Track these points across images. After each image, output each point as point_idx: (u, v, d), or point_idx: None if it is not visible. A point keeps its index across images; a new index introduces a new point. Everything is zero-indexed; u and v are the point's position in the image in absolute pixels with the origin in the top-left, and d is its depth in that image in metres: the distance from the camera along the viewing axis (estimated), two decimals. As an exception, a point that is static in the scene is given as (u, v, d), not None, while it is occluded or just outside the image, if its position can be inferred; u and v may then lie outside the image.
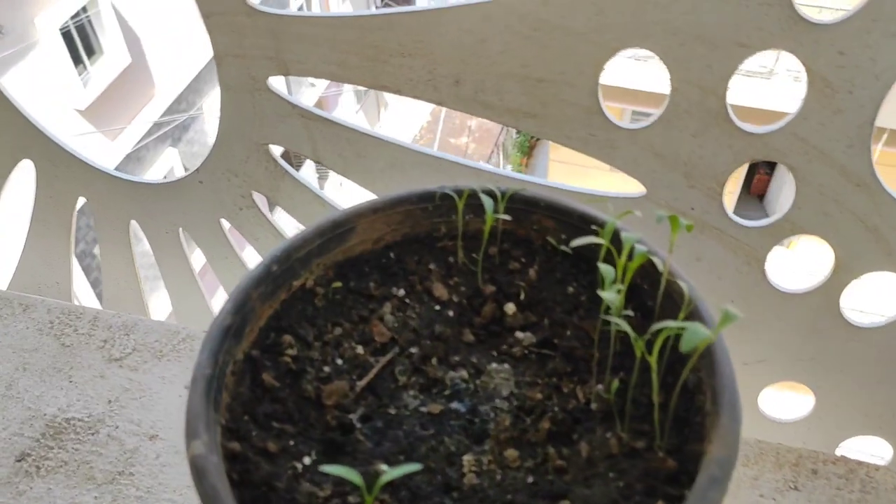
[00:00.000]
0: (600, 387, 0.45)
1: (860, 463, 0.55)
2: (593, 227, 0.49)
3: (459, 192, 0.49)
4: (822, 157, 0.53)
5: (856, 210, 0.55)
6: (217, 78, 0.62)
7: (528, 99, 0.56)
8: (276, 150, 0.69)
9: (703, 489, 0.36)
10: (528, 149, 7.26)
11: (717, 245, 0.59)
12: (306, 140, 0.66)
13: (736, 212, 0.59)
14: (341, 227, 0.49)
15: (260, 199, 0.74)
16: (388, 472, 0.33)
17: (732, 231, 0.59)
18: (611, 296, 0.41)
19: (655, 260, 0.43)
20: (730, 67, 0.51)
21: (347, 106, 7.12)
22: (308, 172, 5.14)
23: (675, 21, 0.50)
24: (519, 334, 0.49)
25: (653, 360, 0.40)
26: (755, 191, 6.61)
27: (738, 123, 0.53)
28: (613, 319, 0.39)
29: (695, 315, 0.41)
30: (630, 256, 0.42)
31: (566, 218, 0.50)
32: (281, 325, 0.47)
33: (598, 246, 0.49)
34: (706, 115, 0.53)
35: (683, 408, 0.42)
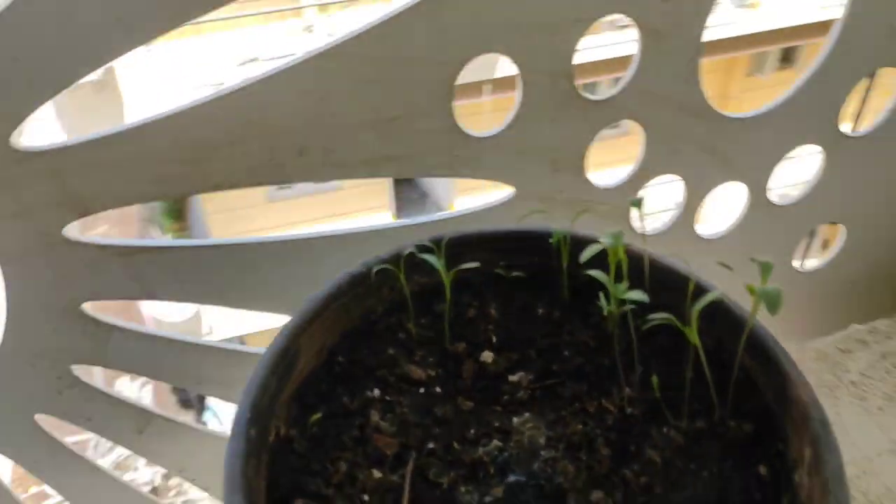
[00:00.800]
0: (628, 390, 0.43)
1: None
2: (531, 243, 0.47)
3: (396, 259, 0.44)
4: (664, 102, 0.56)
5: (696, 139, 0.60)
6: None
7: (383, 143, 0.52)
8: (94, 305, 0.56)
9: (819, 430, 0.36)
10: (178, 212, 6.88)
11: (593, 217, 0.61)
12: (131, 280, 0.54)
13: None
14: (289, 355, 0.41)
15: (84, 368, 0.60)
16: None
17: (601, 197, 0.61)
18: (639, 294, 0.39)
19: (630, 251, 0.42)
20: (572, 45, 0.51)
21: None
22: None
23: (514, 17, 0.49)
24: (512, 377, 0.45)
25: (693, 333, 0.39)
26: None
27: (589, 96, 0.54)
28: (658, 316, 0.38)
29: (701, 289, 0.41)
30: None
31: (501, 244, 0.47)
32: (283, 495, 0.38)
33: (542, 261, 0.47)
34: (560, 98, 0.53)
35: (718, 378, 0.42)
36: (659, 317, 0.38)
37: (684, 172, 0.62)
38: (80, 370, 0.60)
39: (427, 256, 0.43)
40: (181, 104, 0.46)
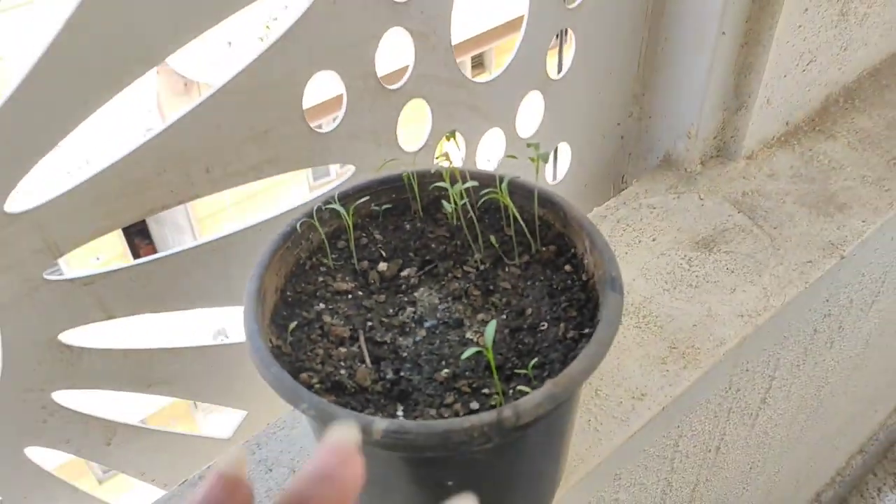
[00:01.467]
0: (478, 255, 0.68)
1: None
2: (390, 185, 0.70)
3: (310, 215, 0.65)
4: (437, 80, 0.82)
5: (463, 102, 0.86)
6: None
7: (262, 151, 0.72)
8: (68, 333, 0.70)
9: (589, 227, 0.63)
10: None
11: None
12: (94, 306, 0.69)
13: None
14: (260, 293, 0.60)
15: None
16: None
17: (411, 158, 0.85)
18: (470, 183, 0.63)
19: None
20: (373, 54, 0.75)
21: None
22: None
23: (332, 42, 0.71)
24: (403, 274, 0.68)
25: (505, 197, 0.64)
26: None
27: (389, 87, 0.78)
28: (484, 192, 0.63)
29: (503, 178, 0.66)
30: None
31: (371, 190, 0.70)
32: (290, 373, 0.58)
33: (399, 195, 0.70)
34: (371, 92, 0.77)
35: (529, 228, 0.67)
36: (485, 192, 0.63)
37: (460, 127, 0.89)
38: (56, 396, 0.73)
39: (333, 206, 0.64)
40: (123, 152, 0.63)
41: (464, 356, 0.55)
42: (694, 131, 1.04)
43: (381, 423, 0.49)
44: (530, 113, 0.98)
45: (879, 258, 1.11)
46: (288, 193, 6.87)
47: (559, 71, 0.97)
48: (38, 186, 0.61)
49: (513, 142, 0.96)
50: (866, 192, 1.04)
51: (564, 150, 1.07)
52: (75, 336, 0.70)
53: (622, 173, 1.18)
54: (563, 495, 0.74)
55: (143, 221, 6.86)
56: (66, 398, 0.73)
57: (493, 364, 0.53)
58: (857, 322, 1.24)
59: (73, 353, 0.71)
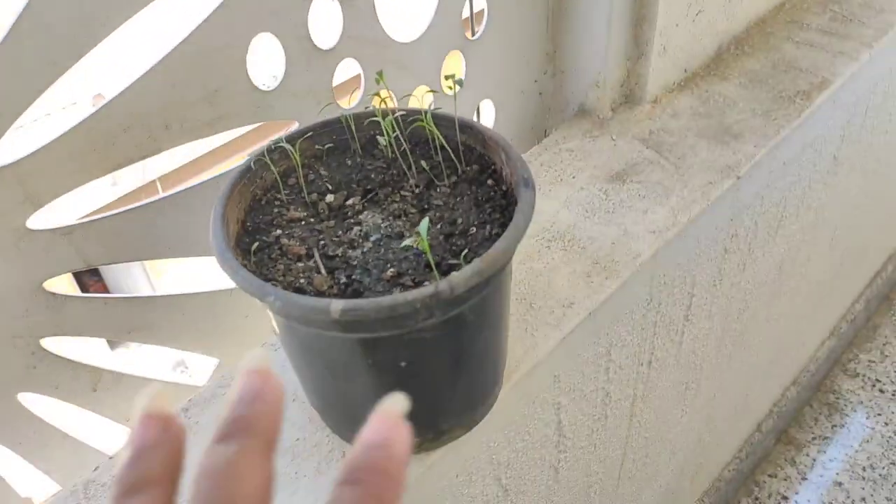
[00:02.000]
0: (412, 180, 0.78)
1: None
2: (331, 126, 0.80)
3: (263, 154, 0.74)
4: (365, 41, 0.92)
5: (389, 59, 0.96)
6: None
7: (214, 108, 0.81)
8: (52, 282, 0.78)
9: (503, 142, 0.73)
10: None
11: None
12: (75, 255, 0.77)
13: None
14: (224, 219, 0.69)
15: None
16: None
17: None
18: (399, 115, 0.74)
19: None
20: (305, 15, 0.84)
21: None
22: None
23: (270, 4, 0.81)
24: (348, 203, 0.78)
25: (430, 124, 0.74)
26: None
27: (322, 48, 0.88)
28: (414, 118, 0.73)
29: (427, 111, 0.76)
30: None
31: (316, 132, 0.79)
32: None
33: (340, 136, 0.80)
34: (306, 53, 0.87)
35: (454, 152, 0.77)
36: (414, 119, 0.73)
37: (391, 85, 0.99)
38: (46, 343, 0.81)
39: (282, 145, 0.73)
40: (100, 104, 0.72)
41: (402, 245, 0.65)
42: (602, 81, 1.16)
43: (337, 304, 0.59)
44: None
45: (775, 181, 1.24)
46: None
47: (472, 34, 1.07)
48: (15, 138, 0.69)
49: (441, 102, 1.06)
50: (756, 122, 1.17)
51: (489, 108, 1.18)
52: (59, 284, 0.78)
53: (544, 128, 1.30)
54: (506, 393, 0.84)
55: None
56: (54, 345, 0.81)
57: (427, 249, 0.64)
58: (766, 246, 1.38)
59: (58, 301, 0.78)
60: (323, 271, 0.70)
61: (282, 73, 0.86)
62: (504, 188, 0.75)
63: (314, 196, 0.77)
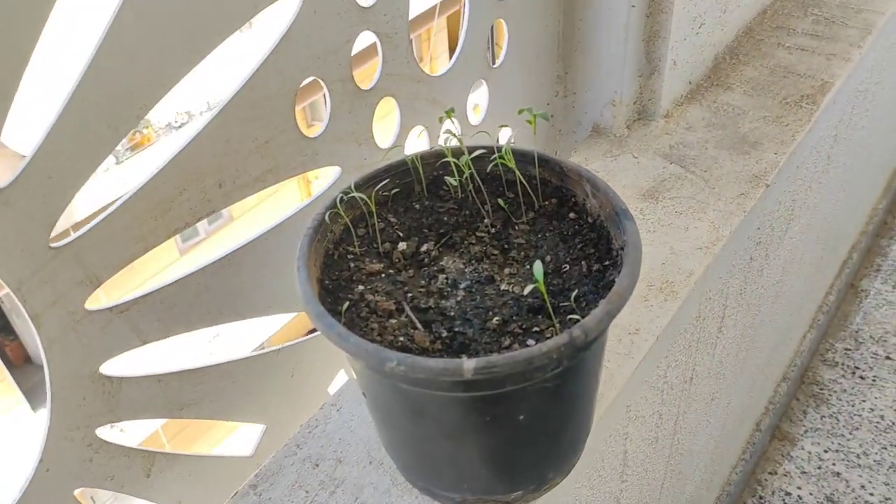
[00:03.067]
0: (487, 220, 0.74)
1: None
2: (396, 169, 0.75)
3: (334, 205, 0.69)
4: (402, 77, 0.88)
5: (422, 95, 0.93)
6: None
7: (265, 160, 0.76)
8: (107, 367, 0.71)
9: (585, 173, 0.71)
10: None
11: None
12: (130, 333, 0.71)
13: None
14: (308, 279, 0.64)
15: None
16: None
17: (383, 154, 0.91)
18: (478, 152, 0.70)
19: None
20: (348, 58, 0.80)
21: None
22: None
23: (315, 50, 0.76)
24: (422, 249, 0.73)
25: (510, 158, 0.71)
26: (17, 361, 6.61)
27: (363, 88, 0.84)
28: (491, 158, 0.69)
29: (500, 147, 0.73)
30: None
31: (380, 177, 0.74)
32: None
33: (404, 179, 0.75)
34: (349, 94, 0.82)
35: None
36: (493, 159, 0.69)
37: (423, 120, 0.95)
38: (100, 432, 0.74)
39: (354, 194, 0.69)
40: (146, 176, 0.66)
41: (525, 291, 0.61)
42: (619, 99, 1.15)
43: (469, 363, 0.54)
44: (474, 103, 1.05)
45: (790, 185, 1.25)
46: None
47: (494, 61, 1.05)
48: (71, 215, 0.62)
49: (466, 130, 1.03)
50: (770, 129, 1.18)
51: (505, 135, 1.15)
52: (114, 367, 0.71)
53: (554, 150, 1.28)
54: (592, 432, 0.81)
55: (4, 317, 6.51)
56: (108, 434, 0.74)
57: (545, 296, 0.60)
58: (777, 249, 1.39)
59: (114, 385, 0.72)
60: (419, 326, 0.65)
61: (326, 119, 0.81)
62: (591, 220, 0.72)
63: (387, 245, 0.73)
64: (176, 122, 5.93)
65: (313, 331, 0.88)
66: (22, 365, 6.62)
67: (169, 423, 5.39)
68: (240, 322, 0.83)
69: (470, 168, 0.73)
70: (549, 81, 1.17)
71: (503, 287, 0.68)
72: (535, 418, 0.63)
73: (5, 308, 6.45)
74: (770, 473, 2.20)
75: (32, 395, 6.13)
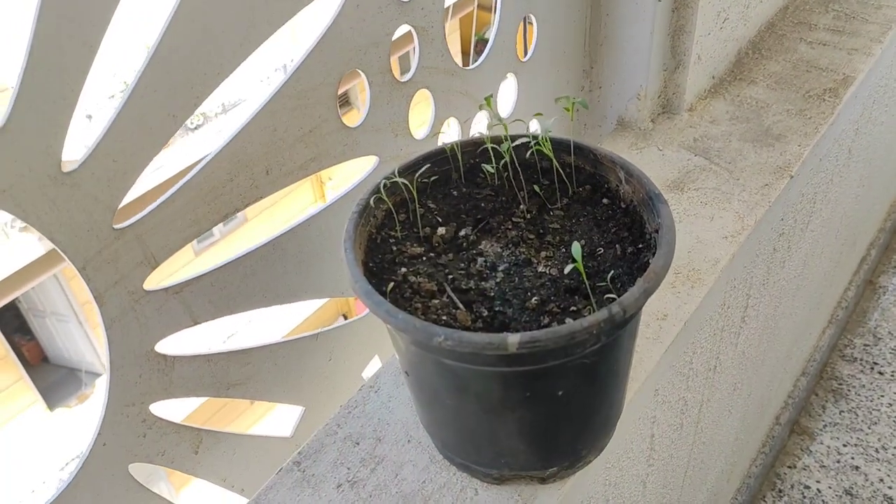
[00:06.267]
0: (523, 205, 0.77)
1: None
2: (435, 157, 0.78)
3: (377, 190, 0.72)
4: (437, 70, 0.91)
5: (455, 87, 0.95)
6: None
7: (308, 149, 0.79)
8: (162, 345, 0.74)
9: (619, 160, 0.73)
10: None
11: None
12: (184, 314, 0.74)
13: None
14: (355, 260, 0.67)
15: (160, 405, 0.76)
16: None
17: (420, 145, 0.94)
18: (514, 134, 0.73)
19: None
20: (388, 51, 0.83)
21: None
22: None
23: (357, 41, 0.79)
24: (461, 234, 0.76)
25: (547, 145, 0.73)
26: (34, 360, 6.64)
27: (401, 79, 0.87)
28: (527, 141, 0.72)
29: (536, 135, 0.76)
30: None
31: (420, 164, 0.77)
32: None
33: (443, 166, 0.78)
34: (388, 86, 0.85)
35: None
36: (531, 145, 0.72)
37: (455, 113, 0.98)
38: (154, 408, 0.77)
39: (398, 180, 0.72)
40: (201, 162, 0.69)
41: (566, 270, 0.64)
42: (643, 93, 1.17)
43: (514, 337, 0.57)
44: (504, 96, 1.08)
45: (813, 178, 1.27)
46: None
47: (525, 54, 1.07)
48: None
49: (494, 122, 1.05)
50: (794, 122, 1.20)
51: (534, 127, 1.18)
52: (168, 346, 0.75)
53: (580, 144, 1.30)
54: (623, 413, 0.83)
55: (21, 317, 6.54)
56: (161, 409, 0.77)
57: (583, 274, 0.63)
58: (799, 241, 1.41)
59: (168, 363, 0.75)
60: (461, 306, 0.68)
61: (366, 109, 0.84)
62: (624, 206, 0.74)
63: (427, 230, 0.76)
64: (191, 123, 5.99)
65: (345, 317, 0.91)
66: (39, 364, 6.69)
67: (202, 407, 5.41)
68: (276, 307, 0.86)
69: (511, 155, 0.75)
70: (575, 75, 1.19)
71: (540, 269, 0.70)
72: (572, 395, 0.66)
73: (22, 308, 6.52)
74: (789, 467, 2.21)
75: (48, 394, 6.19)
